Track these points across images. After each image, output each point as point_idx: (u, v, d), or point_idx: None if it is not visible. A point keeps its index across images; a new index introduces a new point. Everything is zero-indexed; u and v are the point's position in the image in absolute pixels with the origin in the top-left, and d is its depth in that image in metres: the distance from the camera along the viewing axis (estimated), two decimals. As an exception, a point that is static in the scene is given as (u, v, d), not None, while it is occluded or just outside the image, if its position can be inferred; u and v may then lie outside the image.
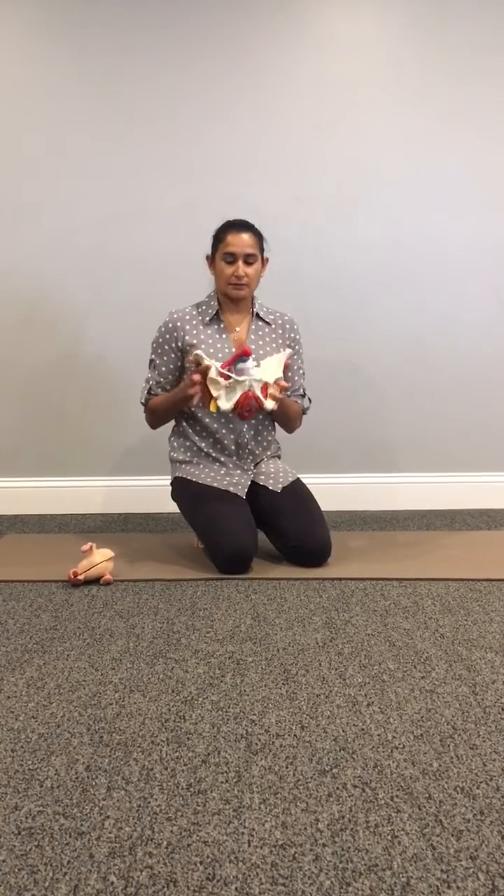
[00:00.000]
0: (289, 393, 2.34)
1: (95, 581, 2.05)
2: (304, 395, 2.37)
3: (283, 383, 2.12)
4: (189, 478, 2.27)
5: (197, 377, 2.05)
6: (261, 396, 2.08)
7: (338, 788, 1.09)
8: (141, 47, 2.80)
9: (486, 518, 2.84)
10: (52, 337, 2.94)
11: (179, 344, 2.25)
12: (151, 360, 2.30)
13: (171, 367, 2.27)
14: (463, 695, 1.38)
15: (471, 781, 1.11)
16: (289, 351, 2.22)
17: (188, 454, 2.32)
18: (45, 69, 2.81)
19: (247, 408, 2.07)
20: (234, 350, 2.24)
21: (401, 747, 1.20)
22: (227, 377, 2.05)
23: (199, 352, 2.13)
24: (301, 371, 2.37)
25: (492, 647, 1.60)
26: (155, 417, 2.31)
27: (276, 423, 2.39)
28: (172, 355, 2.26)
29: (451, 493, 3.01)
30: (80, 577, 2.02)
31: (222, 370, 2.06)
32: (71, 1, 2.77)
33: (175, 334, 2.25)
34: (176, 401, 2.20)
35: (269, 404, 2.10)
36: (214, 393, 2.06)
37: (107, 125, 2.83)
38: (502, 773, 1.13)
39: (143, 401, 2.33)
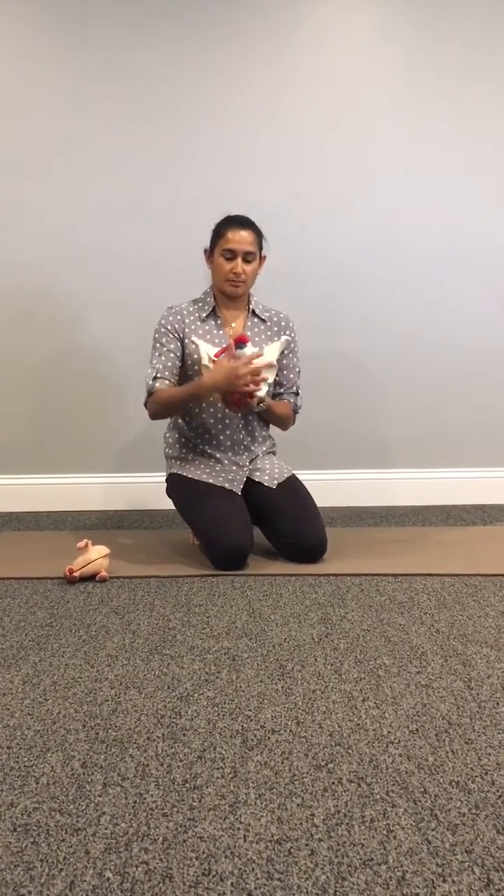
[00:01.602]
0: (282, 391, 2.33)
1: (91, 578, 2.05)
2: (297, 394, 2.37)
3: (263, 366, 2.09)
4: (184, 474, 2.27)
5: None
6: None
7: (333, 783, 1.09)
8: (138, 44, 2.79)
9: (481, 513, 2.84)
10: (49, 333, 2.93)
11: (180, 334, 2.23)
12: (155, 348, 2.23)
13: (178, 353, 2.22)
14: (458, 689, 1.38)
15: (466, 776, 1.11)
16: (286, 338, 2.20)
17: (183, 450, 2.31)
18: (43, 65, 2.80)
19: (236, 396, 2.04)
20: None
21: (396, 742, 1.20)
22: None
23: (195, 338, 2.12)
24: (297, 370, 2.37)
25: (487, 642, 1.60)
26: (160, 407, 2.18)
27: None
28: (178, 342, 2.23)
29: (447, 489, 3.02)
30: (76, 574, 2.01)
31: (215, 358, 2.05)
32: (65, -4, 2.76)
33: (176, 325, 2.23)
34: (193, 395, 2.13)
35: (262, 391, 2.07)
36: None
37: (105, 122, 2.82)
38: (497, 768, 1.13)
39: (149, 388, 2.19)
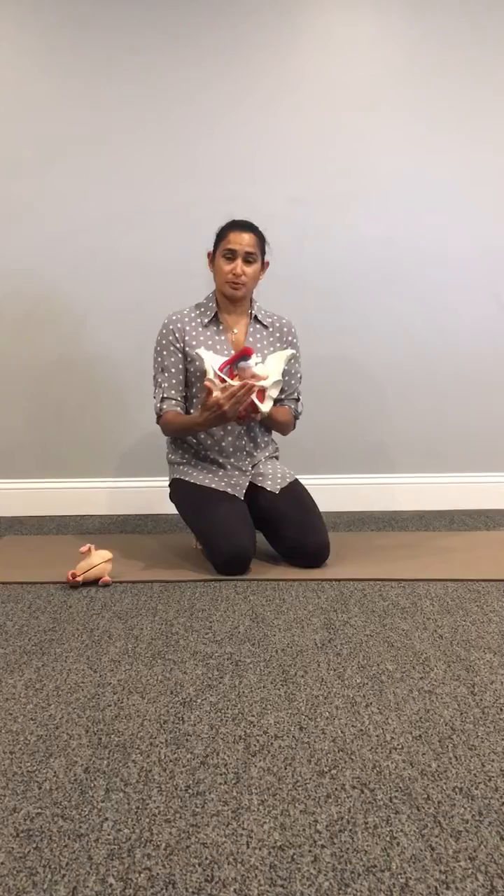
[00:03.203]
0: (283, 397, 2.33)
1: (94, 582, 2.05)
2: (297, 400, 2.37)
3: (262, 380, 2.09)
4: (187, 479, 2.27)
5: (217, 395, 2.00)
6: (256, 401, 2.06)
7: (336, 789, 1.09)
8: (140, 49, 2.80)
9: (484, 518, 2.84)
10: (51, 338, 2.94)
11: (181, 344, 2.25)
12: (158, 364, 2.27)
13: (180, 366, 2.25)
14: (461, 695, 1.38)
15: (469, 782, 1.11)
16: (292, 351, 2.21)
17: (186, 455, 2.32)
18: (44, 71, 2.81)
19: (241, 412, 2.05)
20: (232, 351, 2.24)
21: (399, 748, 1.20)
22: (223, 380, 2.04)
23: (199, 350, 2.12)
24: (298, 375, 2.37)
25: (490, 648, 1.60)
26: (172, 431, 2.25)
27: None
28: (180, 355, 2.25)
29: (450, 494, 3.01)
30: (79, 579, 2.01)
31: (219, 372, 2.05)
32: (69, 1, 2.77)
33: (176, 335, 2.25)
34: (195, 426, 2.14)
35: (266, 406, 2.09)
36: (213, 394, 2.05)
37: (106, 126, 2.83)
38: (501, 774, 1.13)
39: (158, 411, 2.25)
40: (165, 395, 2.24)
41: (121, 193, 2.86)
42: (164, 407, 2.23)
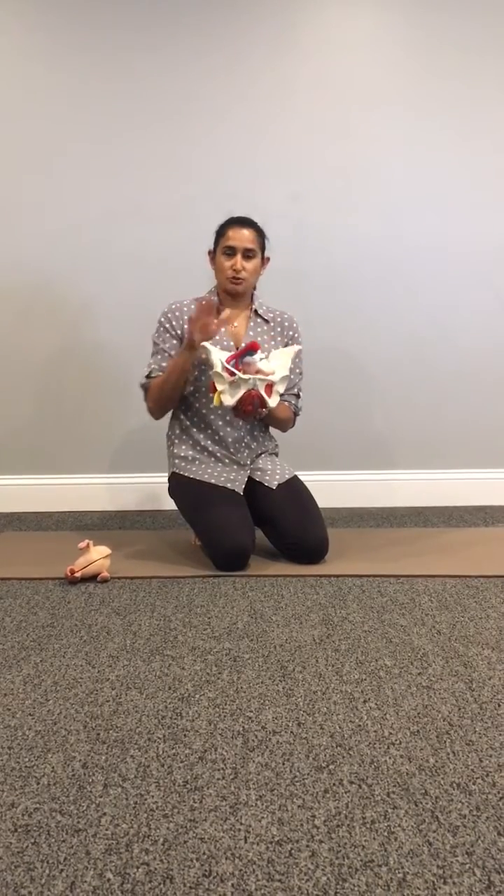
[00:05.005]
0: (283, 392, 2.33)
1: (92, 578, 2.05)
2: (298, 396, 2.36)
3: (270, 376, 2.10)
4: (186, 474, 2.27)
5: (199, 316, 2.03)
6: (265, 396, 2.06)
7: (334, 785, 1.09)
8: (140, 47, 2.79)
9: (483, 514, 2.84)
10: (51, 334, 2.94)
11: (179, 332, 2.24)
12: (155, 346, 2.27)
13: (175, 352, 2.24)
14: (459, 691, 1.38)
15: (467, 777, 1.11)
16: (298, 347, 2.21)
17: (183, 447, 2.31)
18: (45, 69, 2.80)
19: (248, 406, 2.05)
20: (232, 344, 2.24)
21: (397, 743, 1.20)
22: (232, 373, 2.04)
23: (205, 343, 2.12)
24: (298, 371, 2.36)
25: (488, 644, 1.60)
26: (156, 394, 2.21)
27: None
28: (175, 341, 2.25)
29: (449, 490, 3.01)
30: (77, 575, 2.02)
31: (227, 365, 2.05)
32: (70, 1, 2.77)
33: (175, 322, 2.25)
34: (177, 363, 2.13)
35: (273, 401, 2.09)
36: (219, 387, 2.05)
37: (106, 124, 2.82)
38: (498, 769, 1.13)
39: (142, 384, 2.25)
40: (152, 374, 2.24)
41: (121, 190, 2.85)
42: (151, 377, 2.24)
